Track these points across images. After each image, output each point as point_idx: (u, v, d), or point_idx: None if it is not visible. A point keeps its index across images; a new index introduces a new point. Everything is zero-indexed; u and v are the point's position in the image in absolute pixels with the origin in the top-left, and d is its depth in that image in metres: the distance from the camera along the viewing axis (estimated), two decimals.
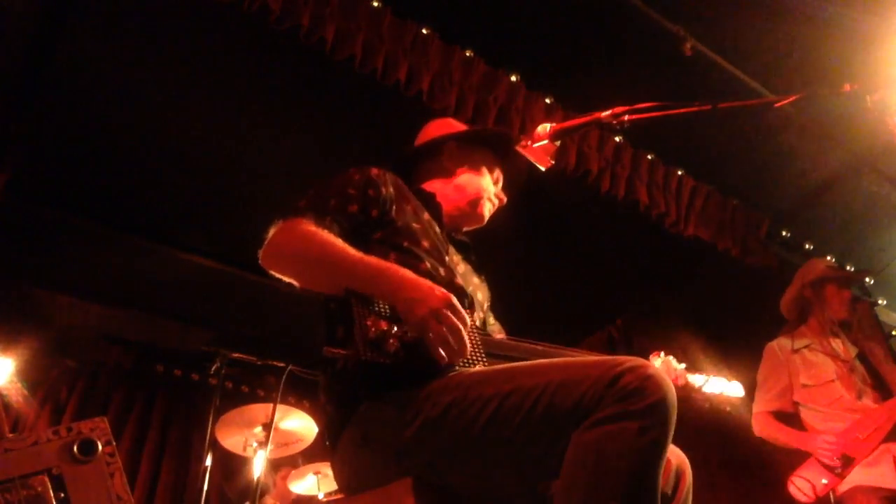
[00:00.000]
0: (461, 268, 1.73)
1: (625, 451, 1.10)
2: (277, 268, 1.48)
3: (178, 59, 3.17)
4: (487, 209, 1.86)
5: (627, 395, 1.14)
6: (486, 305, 1.79)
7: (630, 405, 1.13)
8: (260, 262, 1.49)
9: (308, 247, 1.44)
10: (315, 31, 2.81)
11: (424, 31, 3.09)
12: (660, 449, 1.14)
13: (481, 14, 3.14)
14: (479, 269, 1.87)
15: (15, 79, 3.17)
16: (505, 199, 1.90)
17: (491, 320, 1.83)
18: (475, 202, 1.84)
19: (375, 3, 2.98)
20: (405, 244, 1.56)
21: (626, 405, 1.13)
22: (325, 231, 1.46)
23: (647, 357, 1.67)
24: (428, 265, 1.54)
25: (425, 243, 1.59)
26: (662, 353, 1.70)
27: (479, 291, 1.76)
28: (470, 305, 1.56)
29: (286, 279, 1.48)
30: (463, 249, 1.84)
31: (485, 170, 1.89)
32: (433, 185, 1.84)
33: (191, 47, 3.13)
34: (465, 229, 1.90)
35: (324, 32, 2.82)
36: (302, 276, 1.48)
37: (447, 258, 1.62)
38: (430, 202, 1.77)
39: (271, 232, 1.50)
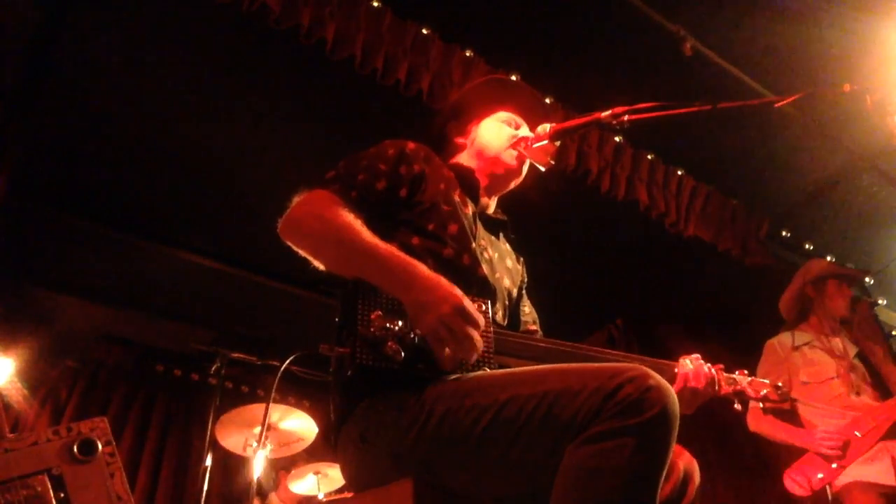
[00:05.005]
0: (490, 252, 1.66)
1: (621, 467, 1.07)
2: (293, 241, 1.46)
3: (178, 59, 3.17)
4: (511, 156, 1.76)
5: (626, 409, 1.10)
6: (515, 292, 1.73)
7: (629, 420, 1.09)
8: (278, 231, 1.46)
9: (325, 226, 1.41)
10: (315, 32, 2.81)
11: (424, 31, 3.10)
12: (658, 464, 1.10)
13: (481, 14, 3.14)
14: (515, 247, 1.82)
15: (15, 79, 3.17)
16: (533, 134, 1.78)
17: (526, 308, 1.78)
18: (496, 160, 1.77)
19: (375, 3, 2.98)
20: (430, 227, 1.52)
21: (624, 420, 1.10)
22: (347, 210, 1.42)
23: (675, 359, 1.64)
24: (451, 252, 1.50)
25: (452, 227, 1.54)
26: (692, 356, 1.63)
27: (508, 277, 1.70)
28: (492, 298, 1.51)
29: (302, 254, 1.45)
30: (499, 228, 1.79)
31: (494, 122, 1.83)
32: (464, 162, 1.79)
33: (191, 47, 3.13)
34: (510, 188, 1.83)
35: (324, 32, 2.82)
36: (316, 255, 1.45)
37: (474, 244, 1.57)
38: (466, 178, 1.72)
39: (294, 202, 1.47)
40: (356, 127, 3.39)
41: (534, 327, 1.75)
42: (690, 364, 1.61)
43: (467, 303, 1.27)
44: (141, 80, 3.26)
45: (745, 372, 1.74)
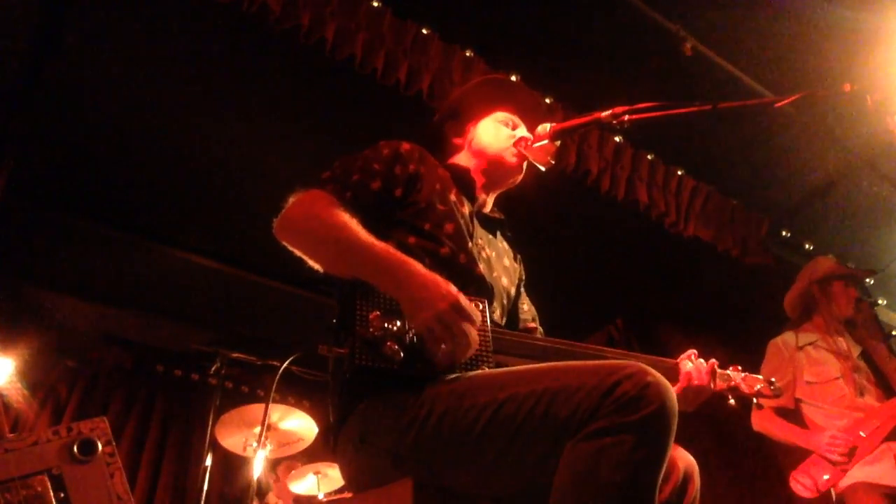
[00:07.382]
0: (488, 251, 1.67)
1: (620, 463, 1.07)
2: (288, 241, 1.46)
3: (178, 59, 3.17)
4: (511, 154, 1.77)
5: (624, 405, 1.10)
6: (512, 291, 1.73)
7: (627, 416, 1.09)
8: (273, 231, 1.46)
9: (320, 226, 1.41)
10: (315, 31, 2.81)
11: (424, 31, 3.10)
12: (657, 461, 1.11)
13: (481, 14, 3.14)
14: (513, 245, 1.82)
15: (15, 79, 3.17)
16: (531, 134, 1.78)
17: (524, 305, 1.77)
18: (495, 159, 1.77)
19: (375, 3, 2.98)
20: (427, 227, 1.52)
21: (622, 416, 1.10)
22: (342, 210, 1.42)
23: (675, 357, 1.65)
24: (448, 251, 1.50)
25: (449, 226, 1.54)
26: (688, 353, 1.65)
27: (506, 276, 1.70)
28: (489, 297, 1.52)
29: (297, 254, 1.45)
30: (496, 227, 1.79)
31: (492, 123, 1.83)
32: (461, 161, 1.80)
33: (191, 47, 3.13)
34: (508, 187, 1.83)
35: (324, 32, 2.82)
36: (311, 255, 1.45)
37: (471, 244, 1.57)
38: (462, 178, 1.72)
39: (289, 202, 1.47)
40: (356, 127, 3.38)
41: (533, 325, 1.74)
42: (691, 363, 1.63)
43: (463, 299, 1.28)
44: (141, 80, 3.26)
45: (739, 367, 1.75)
